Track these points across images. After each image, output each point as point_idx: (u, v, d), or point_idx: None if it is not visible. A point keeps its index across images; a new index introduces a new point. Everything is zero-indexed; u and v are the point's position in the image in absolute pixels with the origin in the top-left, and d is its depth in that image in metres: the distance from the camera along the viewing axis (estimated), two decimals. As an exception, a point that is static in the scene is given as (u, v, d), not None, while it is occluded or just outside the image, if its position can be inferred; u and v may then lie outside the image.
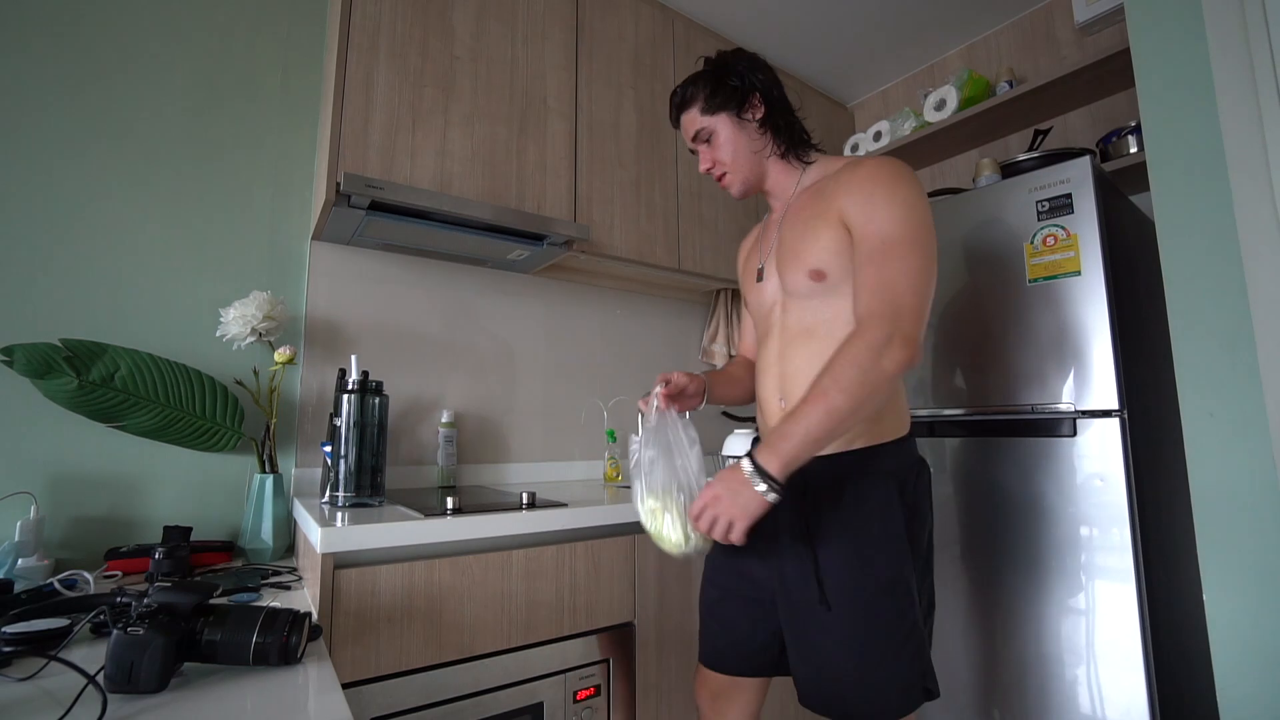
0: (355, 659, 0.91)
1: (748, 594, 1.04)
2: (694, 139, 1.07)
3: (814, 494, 0.95)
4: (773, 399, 1.03)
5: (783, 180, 1.07)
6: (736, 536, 0.83)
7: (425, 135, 1.39)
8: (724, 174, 1.06)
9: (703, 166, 1.08)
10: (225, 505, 1.34)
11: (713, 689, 1.08)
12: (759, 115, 1.04)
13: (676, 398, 1.07)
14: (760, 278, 1.08)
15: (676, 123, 1.10)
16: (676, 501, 0.89)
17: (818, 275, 0.95)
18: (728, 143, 1.03)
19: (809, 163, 1.07)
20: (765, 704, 1.11)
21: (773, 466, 0.81)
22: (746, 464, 0.83)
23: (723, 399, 1.18)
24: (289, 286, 1.47)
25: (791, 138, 1.06)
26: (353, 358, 1.28)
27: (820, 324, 0.97)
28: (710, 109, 1.03)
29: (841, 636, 0.90)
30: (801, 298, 0.99)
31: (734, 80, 1.03)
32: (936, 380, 1.55)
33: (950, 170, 2.26)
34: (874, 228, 0.89)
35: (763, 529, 0.90)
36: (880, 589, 0.89)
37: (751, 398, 1.18)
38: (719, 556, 1.08)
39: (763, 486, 0.81)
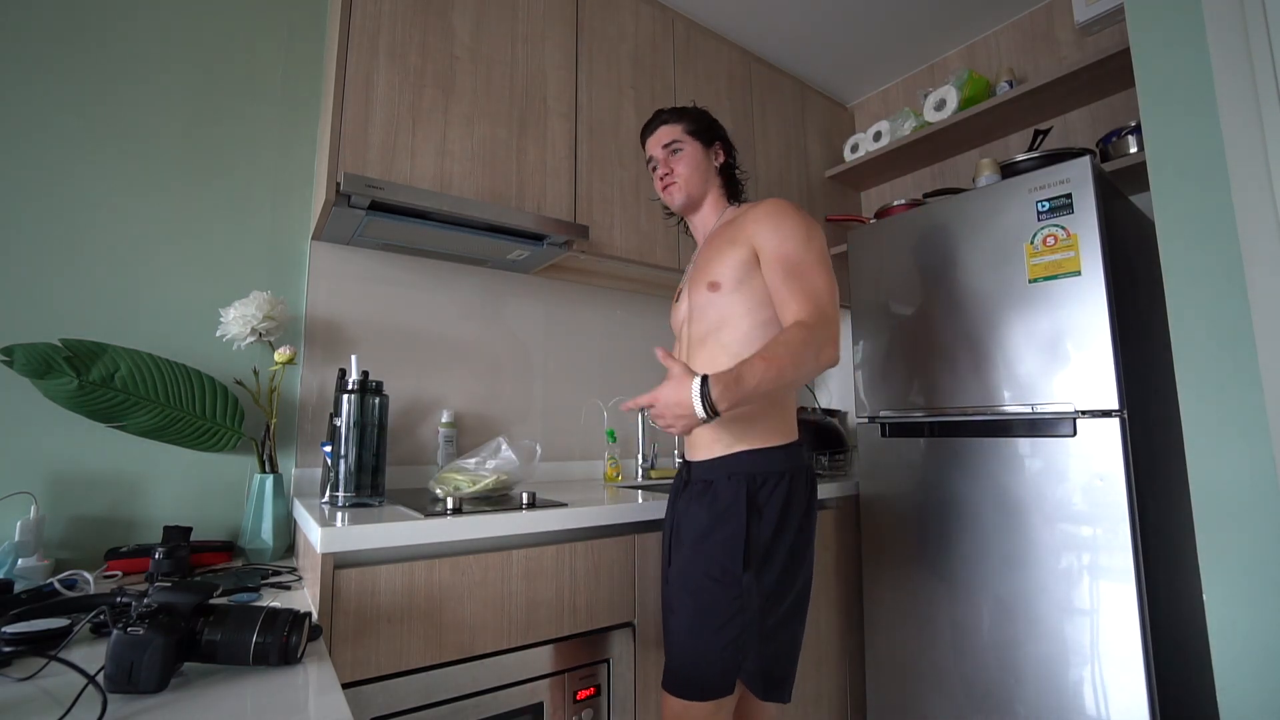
0: (355, 659, 0.91)
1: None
2: (664, 147, 1.26)
3: (688, 490, 1.14)
4: None
5: (709, 215, 1.28)
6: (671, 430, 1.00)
7: (425, 135, 1.39)
8: (674, 183, 1.25)
9: (660, 171, 1.27)
10: (225, 505, 1.34)
11: None
12: (719, 161, 1.28)
13: None
14: (678, 298, 1.29)
15: (652, 130, 1.29)
16: None
17: (713, 286, 1.14)
18: (690, 160, 1.25)
19: (731, 207, 1.28)
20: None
21: (722, 405, 0.94)
22: (697, 391, 0.94)
23: None
24: (289, 286, 1.47)
25: (732, 185, 1.30)
26: (353, 358, 1.28)
27: (710, 332, 1.15)
28: (690, 132, 1.26)
29: (678, 614, 1.06)
30: (701, 309, 1.16)
31: (718, 130, 1.29)
32: (937, 380, 1.55)
33: (950, 170, 2.25)
34: (786, 249, 1.08)
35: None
36: (708, 577, 1.04)
37: None
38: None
39: (703, 415, 0.94)
